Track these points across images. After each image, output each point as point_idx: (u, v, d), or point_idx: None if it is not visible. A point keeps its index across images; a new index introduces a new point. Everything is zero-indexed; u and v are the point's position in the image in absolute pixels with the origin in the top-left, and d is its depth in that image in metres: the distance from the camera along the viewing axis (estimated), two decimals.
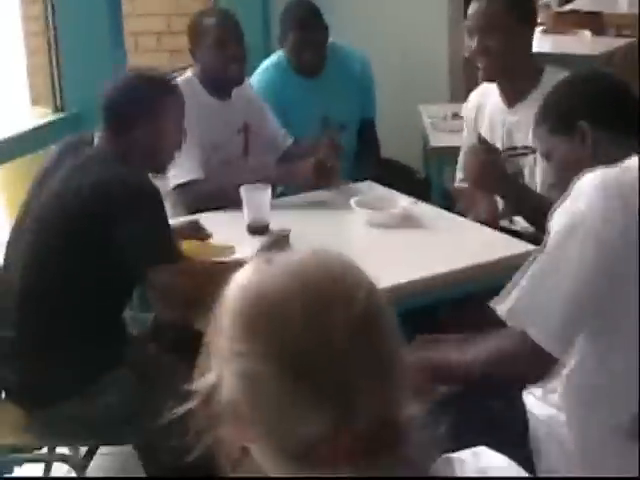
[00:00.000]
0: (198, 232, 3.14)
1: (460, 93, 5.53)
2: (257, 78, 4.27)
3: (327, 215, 3.43)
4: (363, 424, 1.10)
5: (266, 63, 4.36)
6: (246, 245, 3.02)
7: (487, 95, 3.57)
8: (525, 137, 3.33)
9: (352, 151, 4.41)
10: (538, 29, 8.07)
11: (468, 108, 3.70)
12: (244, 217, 3.25)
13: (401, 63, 5.35)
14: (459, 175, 3.68)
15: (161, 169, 2.90)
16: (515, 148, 3.42)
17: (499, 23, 3.33)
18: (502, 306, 2.14)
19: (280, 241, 2.91)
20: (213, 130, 3.68)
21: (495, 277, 2.88)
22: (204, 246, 3.06)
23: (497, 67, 3.38)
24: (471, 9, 3.43)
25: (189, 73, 3.81)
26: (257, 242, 3.01)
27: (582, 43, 7.01)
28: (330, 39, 4.33)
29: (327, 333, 1.10)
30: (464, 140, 3.70)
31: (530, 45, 3.44)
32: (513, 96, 3.42)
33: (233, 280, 1.18)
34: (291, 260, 1.18)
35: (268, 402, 1.12)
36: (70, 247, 2.62)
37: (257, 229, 3.23)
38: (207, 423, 1.16)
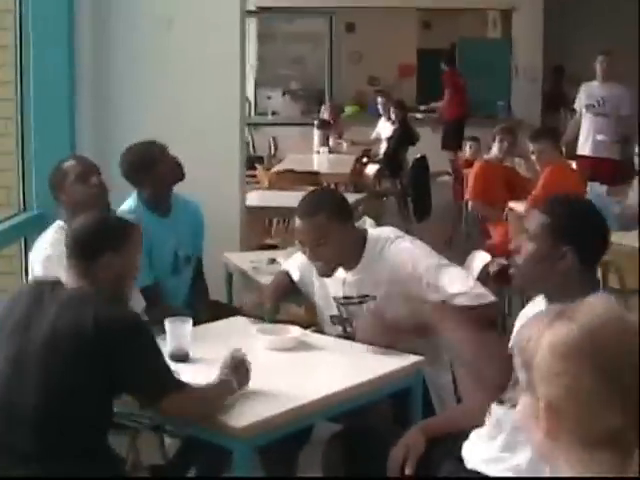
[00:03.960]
0: None
1: (247, 242, 6.14)
2: None
3: (232, 342, 3.83)
4: None
5: (128, 205, 4.74)
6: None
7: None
8: (361, 291, 4.01)
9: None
10: (259, 187, 8.95)
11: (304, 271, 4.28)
12: (166, 346, 3.60)
13: None
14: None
15: (127, 294, 3.30)
16: (351, 297, 4.05)
17: (324, 234, 3.88)
18: None
19: (239, 361, 3.32)
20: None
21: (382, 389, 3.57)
22: None
23: (331, 265, 4.00)
24: (296, 224, 3.98)
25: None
26: (180, 367, 3.40)
27: None
28: None
29: (632, 356, 1.69)
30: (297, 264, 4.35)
31: (351, 231, 4.00)
32: (349, 265, 4.01)
33: (541, 327, 1.75)
34: (593, 311, 1.75)
35: (586, 403, 1.68)
36: (78, 378, 2.93)
37: (178, 357, 3.57)
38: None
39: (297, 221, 3.97)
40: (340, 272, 4.04)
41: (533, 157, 7.39)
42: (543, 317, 1.78)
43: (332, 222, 3.89)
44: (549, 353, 1.72)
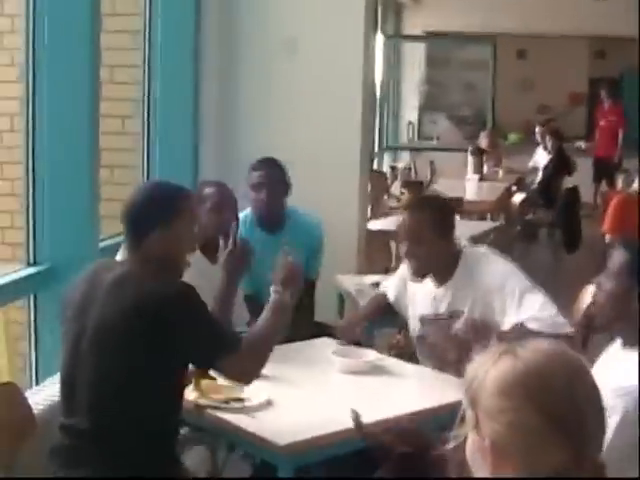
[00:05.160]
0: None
1: (364, 265, 6.20)
2: None
3: (309, 362, 3.95)
4: (596, 457, 1.65)
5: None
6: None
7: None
8: (450, 306, 4.04)
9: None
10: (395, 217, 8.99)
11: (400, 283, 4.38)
12: None
13: None
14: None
15: (179, 270, 3.25)
16: (441, 314, 4.08)
17: (423, 233, 3.98)
18: None
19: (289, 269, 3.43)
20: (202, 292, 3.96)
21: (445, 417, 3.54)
22: (217, 385, 3.48)
23: (422, 268, 4.08)
24: (401, 219, 4.13)
25: None
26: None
27: None
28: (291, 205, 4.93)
29: (576, 395, 1.70)
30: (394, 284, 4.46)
31: (450, 243, 4.09)
32: (440, 279, 4.08)
33: (487, 364, 1.76)
34: (539, 349, 1.76)
35: (529, 440, 1.68)
36: (137, 354, 2.98)
37: None
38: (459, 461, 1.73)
39: (403, 216, 4.13)
40: (431, 288, 4.11)
41: None
42: (489, 355, 1.78)
43: (434, 225, 4.00)
44: (493, 390, 1.73)
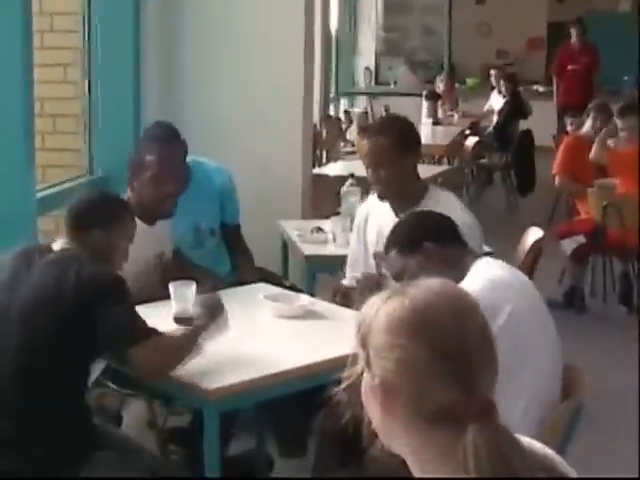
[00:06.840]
0: None
1: (309, 210, 6.22)
2: None
3: (240, 307, 3.91)
4: (485, 394, 1.68)
5: None
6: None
7: (374, 206, 4.26)
8: None
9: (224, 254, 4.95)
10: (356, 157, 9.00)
11: (358, 219, 4.35)
12: (172, 309, 3.71)
13: (258, 181, 5.87)
14: (349, 273, 4.34)
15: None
16: None
17: (387, 158, 4.03)
18: None
19: (216, 305, 3.41)
20: (138, 252, 3.75)
21: None
22: None
23: (388, 190, 4.11)
24: (365, 144, 4.17)
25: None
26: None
27: None
28: (192, 156, 4.64)
29: (465, 331, 1.70)
30: (352, 245, 4.39)
31: (414, 169, 4.15)
32: (401, 208, 4.05)
33: (378, 304, 1.76)
34: (429, 287, 1.77)
35: (417, 377, 1.68)
36: (58, 334, 3.02)
37: (182, 320, 3.66)
38: (351, 401, 1.76)
39: (365, 140, 4.23)
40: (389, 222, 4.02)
41: (622, 134, 7.22)
42: (381, 295, 1.80)
43: (395, 147, 4.05)
44: (382, 328, 1.73)
